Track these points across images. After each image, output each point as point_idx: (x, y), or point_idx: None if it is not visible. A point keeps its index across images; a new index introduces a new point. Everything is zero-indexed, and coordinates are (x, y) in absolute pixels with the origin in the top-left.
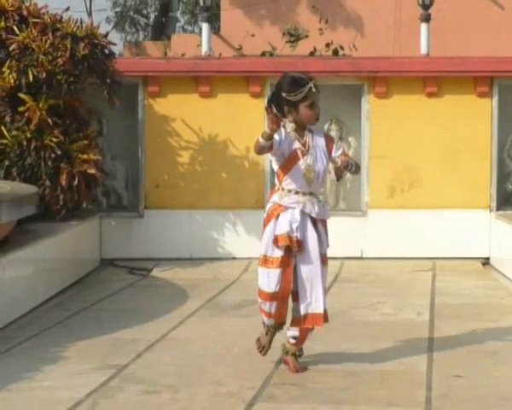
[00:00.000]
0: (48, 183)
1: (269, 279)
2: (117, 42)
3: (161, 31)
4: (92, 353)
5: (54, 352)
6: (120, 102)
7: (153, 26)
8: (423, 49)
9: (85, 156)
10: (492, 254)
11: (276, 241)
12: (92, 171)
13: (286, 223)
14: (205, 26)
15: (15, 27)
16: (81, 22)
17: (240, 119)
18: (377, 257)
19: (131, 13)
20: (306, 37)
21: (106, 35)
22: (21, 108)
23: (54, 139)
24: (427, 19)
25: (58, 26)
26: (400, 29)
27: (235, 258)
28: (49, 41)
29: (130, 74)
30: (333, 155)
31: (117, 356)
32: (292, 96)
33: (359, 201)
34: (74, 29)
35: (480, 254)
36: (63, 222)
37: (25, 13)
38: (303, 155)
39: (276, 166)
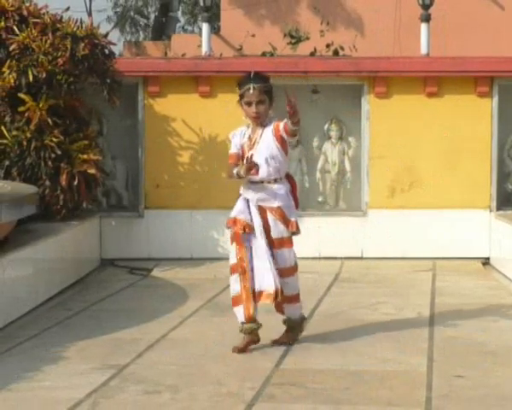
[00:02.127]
0: (48, 183)
1: (231, 254)
2: (117, 42)
3: (161, 31)
4: (92, 353)
5: (54, 352)
6: (120, 102)
7: (153, 26)
8: (423, 50)
9: (85, 156)
10: (492, 254)
11: (226, 223)
12: (92, 171)
13: (236, 208)
14: (205, 26)
15: (15, 27)
16: (81, 22)
17: (240, 119)
18: (377, 257)
19: (132, 13)
20: (308, 39)
21: (106, 35)
22: (21, 108)
23: (54, 139)
24: (427, 19)
25: (58, 26)
26: (400, 29)
27: None
28: (49, 41)
29: (131, 74)
30: (281, 127)
31: (117, 356)
32: (238, 92)
33: (359, 201)
34: (74, 29)
35: (480, 254)
36: (63, 222)
37: (25, 13)
38: (248, 149)
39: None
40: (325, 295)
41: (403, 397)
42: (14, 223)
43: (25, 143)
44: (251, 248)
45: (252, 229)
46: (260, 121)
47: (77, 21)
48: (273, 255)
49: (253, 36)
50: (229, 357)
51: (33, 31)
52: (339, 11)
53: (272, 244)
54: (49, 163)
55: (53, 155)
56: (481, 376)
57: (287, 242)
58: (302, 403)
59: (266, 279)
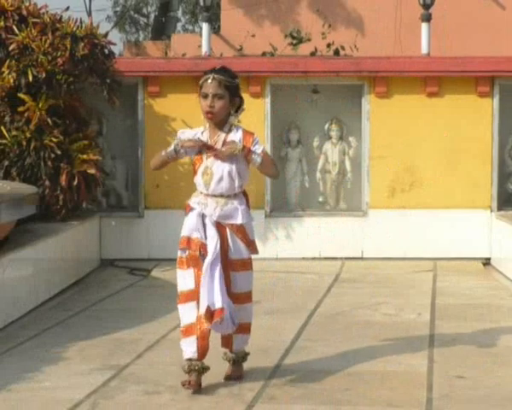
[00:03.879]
0: (47, 183)
1: (183, 279)
2: (117, 42)
3: (161, 30)
4: (92, 353)
5: (54, 352)
6: (120, 102)
7: (153, 25)
8: (424, 49)
9: (85, 156)
10: (493, 255)
11: (179, 244)
12: (92, 171)
13: (187, 225)
14: (205, 26)
15: (15, 27)
16: (81, 22)
17: (240, 118)
18: (378, 257)
19: (131, 12)
20: (309, 40)
21: (106, 35)
22: (21, 108)
23: (53, 139)
24: (427, 18)
25: (58, 25)
26: (401, 29)
27: None
28: (48, 41)
29: (130, 74)
30: (253, 155)
31: (117, 356)
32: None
33: (360, 201)
34: (74, 29)
35: (480, 255)
36: (63, 222)
37: (24, 13)
38: (207, 157)
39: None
40: (325, 295)
41: (403, 398)
42: (13, 223)
43: (24, 143)
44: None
45: (206, 248)
46: (215, 121)
47: (76, 21)
48: (227, 282)
49: (253, 36)
50: None
51: (33, 30)
52: (339, 11)
53: (229, 266)
54: (49, 163)
55: (53, 155)
56: (482, 376)
57: (247, 263)
58: (302, 404)
59: (216, 297)
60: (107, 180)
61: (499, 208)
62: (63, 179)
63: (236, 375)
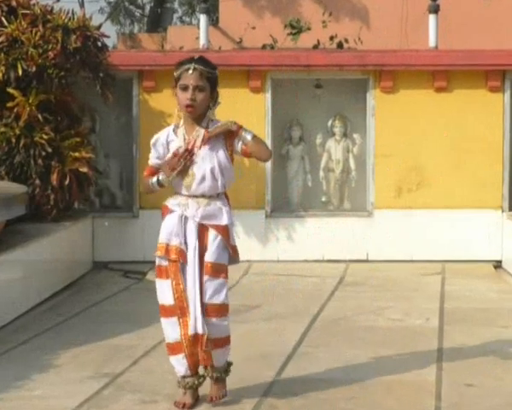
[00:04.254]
0: (38, 182)
1: (162, 292)
2: (110, 34)
3: (157, 22)
4: (86, 360)
5: (45, 359)
6: (114, 98)
7: (148, 17)
8: (431, 42)
9: (77, 154)
10: (505, 257)
11: (156, 251)
12: (84, 169)
13: (165, 230)
14: (203, 18)
15: (4, 19)
16: (73, 13)
17: (240, 114)
18: (383, 260)
19: (126, 3)
20: (309, 29)
21: (99, 27)
22: (10, 104)
23: (44, 136)
24: (435, 10)
25: (49, 17)
26: (408, 21)
27: None
28: (39, 33)
29: (125, 68)
30: (236, 145)
31: (112, 363)
32: (174, 74)
33: (365, 201)
34: (66, 21)
35: (491, 257)
36: (54, 223)
37: (14, 4)
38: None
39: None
40: (329, 299)
41: (411, 407)
42: (2, 224)
43: (13, 140)
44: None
45: (185, 256)
46: (194, 115)
47: (68, 13)
48: (201, 289)
49: (254, 28)
50: None
51: (23, 22)
52: (343, 2)
53: (204, 270)
54: (39, 161)
55: (43, 153)
56: (493, 384)
57: (225, 270)
58: None
59: (200, 319)
60: (101, 179)
61: (511, 208)
62: (54, 178)
63: (220, 395)
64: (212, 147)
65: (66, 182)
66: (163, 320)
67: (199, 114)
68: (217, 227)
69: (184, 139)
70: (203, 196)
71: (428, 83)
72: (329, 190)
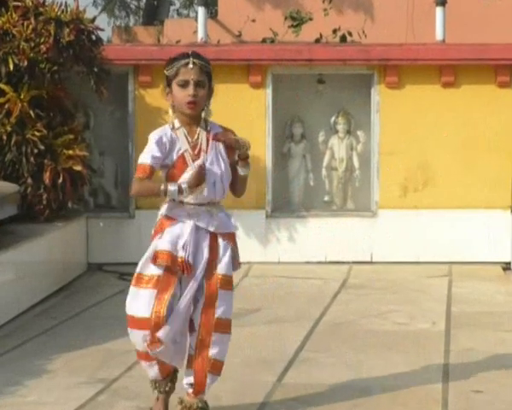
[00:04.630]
0: (30, 181)
1: (137, 301)
2: (105, 27)
3: (154, 15)
4: (80, 365)
5: (38, 364)
6: (109, 93)
7: (144, 9)
8: (438, 36)
9: (71, 152)
10: None
11: (154, 258)
12: (78, 168)
13: (171, 239)
14: (201, 11)
15: None
16: (66, 6)
17: (239, 111)
18: (388, 261)
19: None
20: (310, 20)
21: (93, 20)
22: (1, 100)
23: (36, 133)
24: (442, 2)
25: (41, 9)
26: (414, 13)
27: None
28: (31, 26)
29: (120, 63)
30: (232, 161)
31: (107, 369)
32: (167, 71)
33: (369, 200)
34: (58, 13)
35: (500, 259)
36: (47, 223)
37: None
38: (193, 159)
39: (163, 175)
40: (331, 302)
41: None
42: None
43: (4, 137)
44: (176, 295)
45: (191, 270)
46: (196, 113)
47: (61, 5)
48: (210, 303)
49: (254, 21)
50: (227, 370)
51: (14, 15)
52: None
53: (218, 283)
54: (32, 159)
55: (35, 151)
56: (502, 391)
57: (231, 282)
58: None
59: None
60: (95, 178)
61: None
62: (47, 177)
63: None
64: (216, 151)
65: (60, 181)
66: (132, 333)
67: (199, 111)
68: (228, 236)
69: (188, 142)
70: (210, 202)
71: (435, 78)
72: (332, 190)
